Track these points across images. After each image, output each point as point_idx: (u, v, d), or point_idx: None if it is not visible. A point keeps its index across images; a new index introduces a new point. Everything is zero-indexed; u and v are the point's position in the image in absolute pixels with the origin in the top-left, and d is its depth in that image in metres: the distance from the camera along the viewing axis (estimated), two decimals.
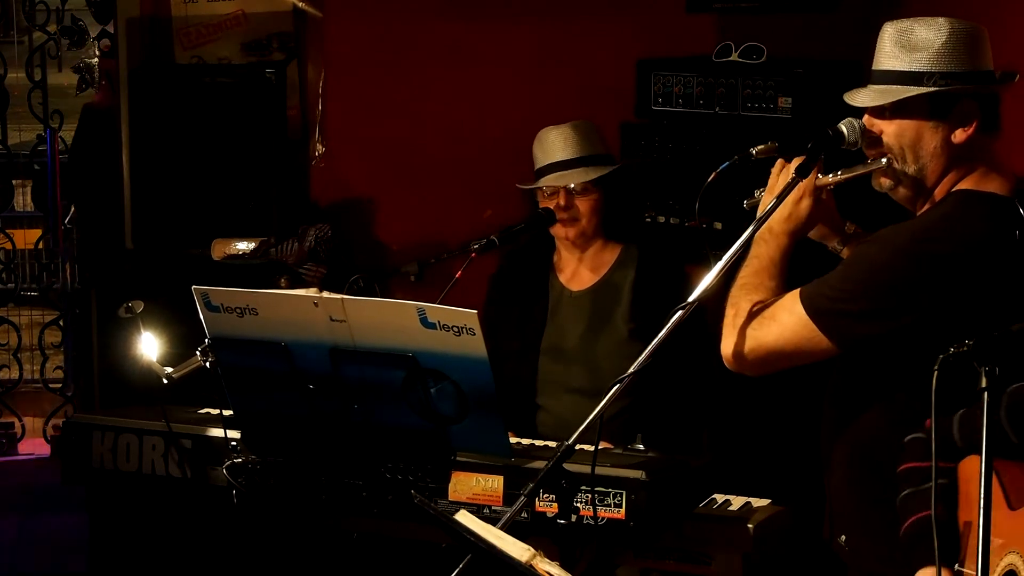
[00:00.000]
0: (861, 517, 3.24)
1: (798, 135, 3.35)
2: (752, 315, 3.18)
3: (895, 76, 3.15)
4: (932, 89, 3.11)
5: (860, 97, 3.21)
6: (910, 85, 3.12)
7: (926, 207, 3.20)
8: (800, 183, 3.23)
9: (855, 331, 3.09)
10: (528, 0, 5.64)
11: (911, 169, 3.17)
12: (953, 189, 3.17)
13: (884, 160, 3.18)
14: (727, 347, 3.21)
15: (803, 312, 3.12)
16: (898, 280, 3.06)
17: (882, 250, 3.12)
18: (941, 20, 3.15)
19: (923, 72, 3.11)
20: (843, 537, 3.28)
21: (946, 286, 3.03)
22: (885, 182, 3.21)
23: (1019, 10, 4.64)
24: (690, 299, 3.14)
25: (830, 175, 3.27)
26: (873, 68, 3.22)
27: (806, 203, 3.25)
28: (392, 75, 5.81)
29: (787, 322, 3.13)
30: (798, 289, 3.17)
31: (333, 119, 5.95)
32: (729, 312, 3.23)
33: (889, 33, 3.18)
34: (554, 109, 4.98)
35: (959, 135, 3.14)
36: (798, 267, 3.33)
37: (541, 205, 4.47)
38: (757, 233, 3.26)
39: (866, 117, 3.21)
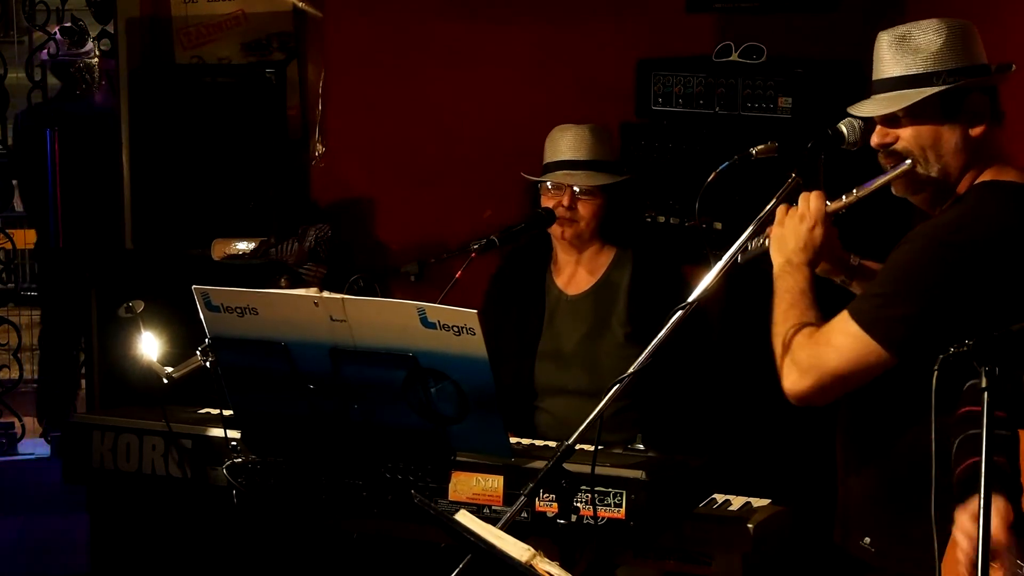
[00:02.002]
0: (891, 520, 3.20)
1: (798, 135, 3.35)
2: (805, 345, 3.14)
3: (903, 81, 3.14)
4: (944, 87, 3.10)
5: (869, 107, 3.19)
6: (921, 87, 3.12)
7: (946, 204, 3.19)
8: (809, 211, 3.22)
9: (907, 334, 3.05)
10: (528, 0, 5.64)
11: (934, 170, 3.16)
12: (975, 183, 3.17)
13: (908, 162, 3.16)
14: (789, 384, 3.15)
15: (857, 328, 3.08)
16: (938, 276, 3.04)
17: (917, 249, 3.10)
18: (934, 21, 3.16)
19: (931, 72, 3.11)
20: (867, 539, 3.25)
21: (984, 275, 3.02)
22: (909, 186, 3.19)
23: (1019, 10, 4.64)
24: (690, 299, 3.14)
25: (843, 196, 3.25)
26: (875, 78, 3.20)
27: (819, 230, 3.23)
28: (392, 75, 5.81)
29: (843, 342, 3.09)
30: (845, 310, 3.13)
31: (333, 119, 5.95)
32: (779, 351, 3.18)
33: (886, 41, 3.18)
34: (554, 109, 4.98)
35: (975, 130, 3.15)
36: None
37: (543, 204, 4.47)
38: (777, 271, 3.24)
39: (879, 127, 3.19)
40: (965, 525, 2.71)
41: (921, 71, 3.12)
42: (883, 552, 3.23)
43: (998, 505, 2.67)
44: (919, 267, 3.08)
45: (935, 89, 3.11)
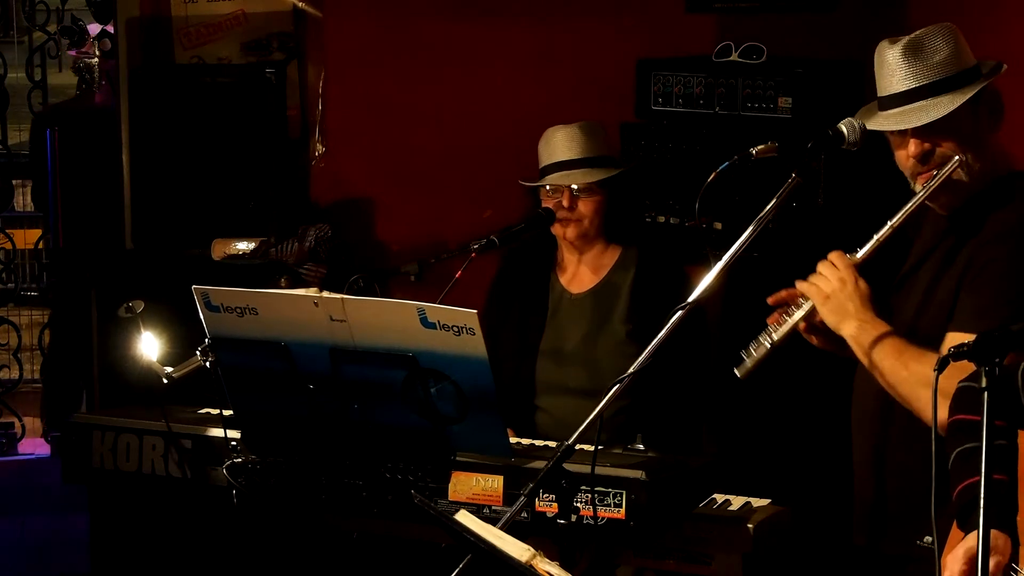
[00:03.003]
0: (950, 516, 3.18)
1: (798, 135, 3.34)
2: (948, 376, 2.92)
3: (929, 89, 3.14)
4: (981, 87, 3.12)
5: (900, 119, 3.16)
6: (948, 93, 3.12)
7: (963, 200, 3.19)
8: (844, 269, 3.20)
9: None
10: (528, 0, 5.64)
11: (974, 170, 3.17)
12: (1003, 175, 3.18)
13: (956, 159, 3.15)
14: (947, 415, 3.05)
15: None
16: None
17: (1015, 253, 3.10)
18: (934, 28, 3.18)
19: (952, 76, 3.13)
20: (928, 539, 3.22)
21: None
22: (950, 191, 3.17)
23: (1019, 10, 4.64)
24: (690, 299, 3.14)
25: (874, 235, 3.21)
26: (890, 92, 3.19)
27: (862, 282, 3.21)
28: (392, 75, 5.81)
29: None
30: (955, 333, 3.08)
31: (333, 119, 5.95)
32: (918, 392, 3.09)
33: (895, 54, 3.17)
34: (554, 109, 4.97)
35: (995, 125, 3.18)
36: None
37: (543, 204, 4.47)
38: (855, 334, 3.18)
39: (913, 141, 3.17)
40: (955, 566, 2.70)
41: (942, 77, 3.12)
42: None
43: (995, 544, 2.66)
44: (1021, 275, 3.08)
45: (972, 91, 3.12)
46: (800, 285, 3.27)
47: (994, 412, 2.50)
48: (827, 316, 3.23)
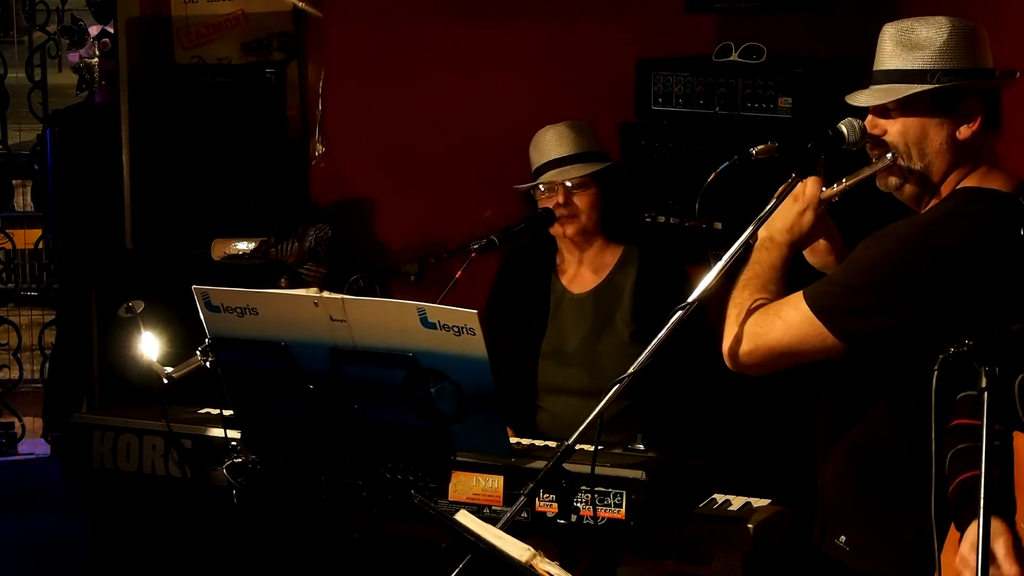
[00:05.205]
0: (863, 516, 3.22)
1: (798, 135, 3.35)
2: (755, 313, 3.17)
3: (898, 75, 3.15)
4: (936, 86, 3.11)
5: (862, 97, 3.21)
6: (913, 83, 3.13)
7: (930, 205, 3.20)
8: (803, 195, 3.23)
9: (860, 327, 3.09)
10: (528, 0, 5.65)
11: (917, 166, 3.17)
12: (957, 187, 3.17)
13: (889, 156, 3.18)
14: (729, 346, 3.19)
15: (807, 309, 3.11)
16: (902, 275, 3.06)
17: (886, 245, 3.12)
18: (941, 19, 3.16)
19: (926, 70, 3.12)
20: (843, 538, 3.26)
21: (950, 280, 3.03)
22: (892, 181, 3.21)
23: (1019, 10, 4.64)
24: (690, 299, 3.14)
25: (835, 185, 3.26)
26: (874, 69, 3.22)
27: (809, 216, 3.24)
28: (392, 75, 5.81)
29: (792, 319, 3.13)
30: (801, 291, 3.16)
31: (333, 119, 5.95)
32: (731, 312, 3.22)
33: (889, 33, 3.19)
34: (554, 109, 4.98)
35: (964, 131, 3.15)
36: (800, 277, 3.32)
37: (540, 206, 4.47)
38: (758, 242, 3.26)
39: (869, 117, 3.21)
40: (967, 557, 2.70)
41: (917, 67, 3.13)
42: (856, 550, 3.24)
43: (997, 529, 2.67)
44: (883, 264, 3.09)
45: (926, 87, 3.12)
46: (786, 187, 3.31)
47: (994, 412, 2.51)
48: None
